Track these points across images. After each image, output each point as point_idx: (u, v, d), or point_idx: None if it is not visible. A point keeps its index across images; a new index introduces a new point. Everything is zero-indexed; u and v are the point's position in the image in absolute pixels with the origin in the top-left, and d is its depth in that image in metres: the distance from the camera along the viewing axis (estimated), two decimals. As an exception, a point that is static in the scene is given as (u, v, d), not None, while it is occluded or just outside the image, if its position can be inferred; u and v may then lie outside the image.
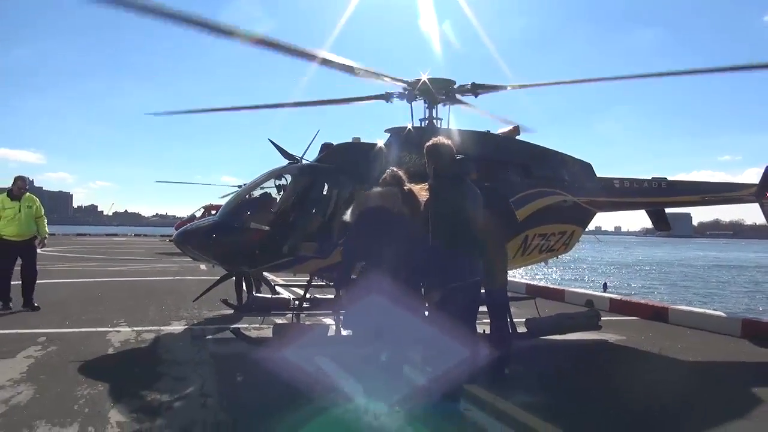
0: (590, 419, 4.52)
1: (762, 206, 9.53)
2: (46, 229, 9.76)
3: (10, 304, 9.01)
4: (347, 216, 4.72)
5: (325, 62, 7.06)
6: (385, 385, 4.56)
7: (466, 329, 4.66)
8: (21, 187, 9.30)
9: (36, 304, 9.07)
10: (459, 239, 4.44)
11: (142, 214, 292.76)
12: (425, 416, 4.28)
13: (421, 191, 4.76)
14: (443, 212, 4.49)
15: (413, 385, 4.96)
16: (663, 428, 4.44)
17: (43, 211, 9.58)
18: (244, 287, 10.01)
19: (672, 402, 5.15)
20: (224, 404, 4.63)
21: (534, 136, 9.12)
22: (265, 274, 9.36)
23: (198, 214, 26.58)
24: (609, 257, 51.55)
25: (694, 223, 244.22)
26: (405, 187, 4.72)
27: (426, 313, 4.87)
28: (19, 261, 9.30)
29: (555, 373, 6.02)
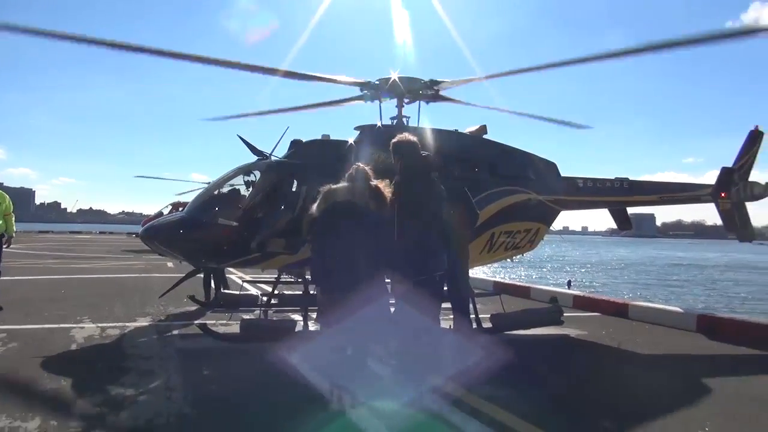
0: (545, 407, 4.67)
1: (717, 206, 9.90)
2: (14, 227, 9.32)
3: None
4: (314, 210, 4.76)
5: (301, 77, 7.19)
6: (350, 378, 4.63)
7: (431, 321, 4.78)
8: None
9: None
10: (424, 234, 4.56)
11: (108, 212, 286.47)
12: (392, 409, 4.36)
13: (386, 188, 4.85)
14: (409, 207, 4.59)
15: (378, 376, 5.06)
16: (610, 413, 4.61)
17: (12, 208, 9.13)
18: (213, 284, 10.00)
19: (623, 390, 5.42)
20: (189, 398, 4.63)
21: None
22: (233, 269, 9.35)
23: (165, 212, 26.23)
24: (574, 256, 52.57)
25: (658, 223, 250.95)
26: (371, 183, 4.80)
27: (392, 304, 4.97)
28: None
29: (516, 366, 6.17)
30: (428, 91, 8.30)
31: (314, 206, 4.76)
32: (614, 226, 11.16)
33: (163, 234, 7.42)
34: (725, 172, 10.01)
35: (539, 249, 10.01)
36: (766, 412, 4.79)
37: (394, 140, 4.92)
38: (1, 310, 8.49)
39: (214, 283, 10.06)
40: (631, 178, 10.07)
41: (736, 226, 9.94)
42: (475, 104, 8.94)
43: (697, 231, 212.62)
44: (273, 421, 4.19)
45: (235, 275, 13.40)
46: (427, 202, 4.65)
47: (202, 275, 9.92)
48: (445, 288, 6.14)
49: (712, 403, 4.99)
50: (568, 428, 4.15)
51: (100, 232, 62.50)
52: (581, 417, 4.53)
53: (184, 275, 9.08)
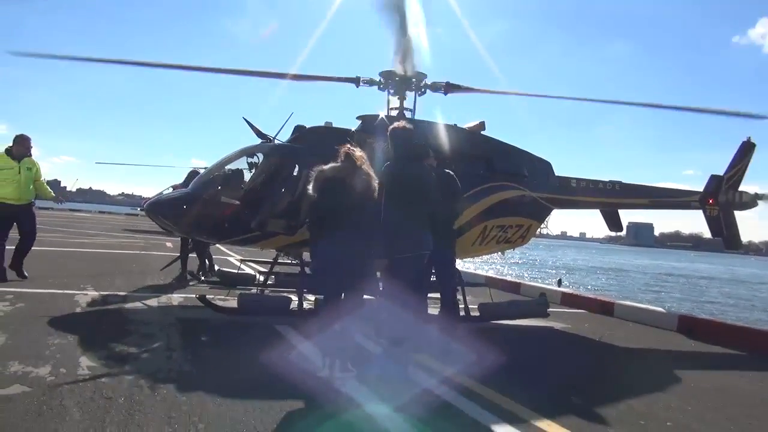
0: (524, 387, 4.96)
1: (704, 212, 10.18)
2: (50, 191, 9.12)
3: (6, 275, 8.38)
4: (309, 188, 5.05)
5: (305, 78, 7.51)
6: (339, 349, 4.91)
7: (415, 298, 5.09)
8: (23, 148, 8.56)
9: (26, 273, 8.57)
10: (410, 215, 4.86)
11: (108, 193, 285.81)
12: (377, 380, 4.66)
13: (370, 170, 5.11)
14: (398, 189, 4.89)
15: (365, 349, 5.38)
16: (579, 392, 4.91)
17: (42, 175, 8.88)
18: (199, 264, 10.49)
19: (594, 374, 5.83)
20: (189, 358, 4.94)
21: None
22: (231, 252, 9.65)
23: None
24: (566, 261, 52.90)
25: (656, 233, 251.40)
26: (357, 163, 5.05)
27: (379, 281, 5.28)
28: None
29: (498, 351, 6.47)
30: (432, 87, 8.58)
31: (309, 187, 5.03)
32: (612, 234, 11.42)
33: (167, 208, 7.70)
34: (714, 180, 10.30)
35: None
36: (729, 400, 5.11)
37: (391, 126, 5.22)
38: (25, 278, 8.45)
39: (200, 262, 10.50)
40: (623, 181, 10.35)
41: (723, 233, 10.22)
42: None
43: (695, 242, 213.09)
44: (269, 380, 4.48)
45: (234, 257, 13.71)
46: (416, 186, 4.95)
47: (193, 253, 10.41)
48: (433, 278, 6.45)
49: (679, 391, 5.31)
50: (536, 401, 4.43)
51: (100, 212, 62.69)
52: (550, 394, 4.83)
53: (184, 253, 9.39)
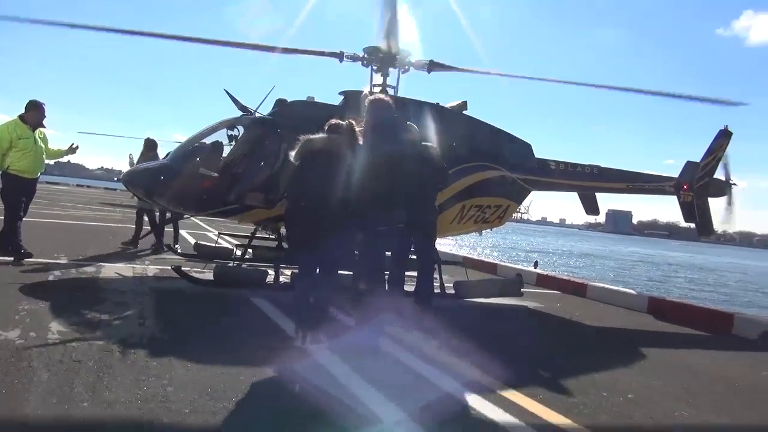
0: (493, 360, 5.03)
1: (678, 197, 10.36)
2: (60, 148, 8.32)
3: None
4: (292, 156, 5.01)
5: (291, 51, 7.41)
6: (312, 321, 4.95)
7: (394, 272, 5.15)
8: (39, 115, 7.70)
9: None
10: (387, 189, 4.89)
11: (86, 166, 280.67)
12: (348, 351, 4.71)
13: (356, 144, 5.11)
14: (375, 162, 4.90)
15: (338, 321, 5.44)
16: (549, 365, 5.03)
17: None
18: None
19: (563, 350, 5.99)
20: (161, 325, 4.95)
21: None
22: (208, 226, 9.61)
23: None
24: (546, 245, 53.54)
25: (634, 221, 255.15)
26: (347, 137, 5.02)
27: (355, 253, 5.32)
28: None
29: (470, 326, 6.58)
30: (416, 65, 8.55)
31: (292, 153, 5.00)
32: (591, 220, 11.59)
33: (144, 179, 7.62)
34: (689, 166, 10.47)
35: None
36: (690, 376, 5.27)
37: (370, 97, 5.21)
38: (31, 256, 7.65)
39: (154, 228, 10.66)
40: (601, 165, 10.47)
41: (695, 218, 10.41)
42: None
43: (672, 231, 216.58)
44: (241, 348, 4.51)
45: (212, 233, 13.63)
46: (393, 160, 4.96)
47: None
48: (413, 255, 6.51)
49: (643, 367, 5.47)
50: (504, 374, 4.52)
51: (78, 185, 61.64)
52: (518, 367, 4.92)
53: (160, 222, 9.32)
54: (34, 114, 7.61)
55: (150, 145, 11.16)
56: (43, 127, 7.83)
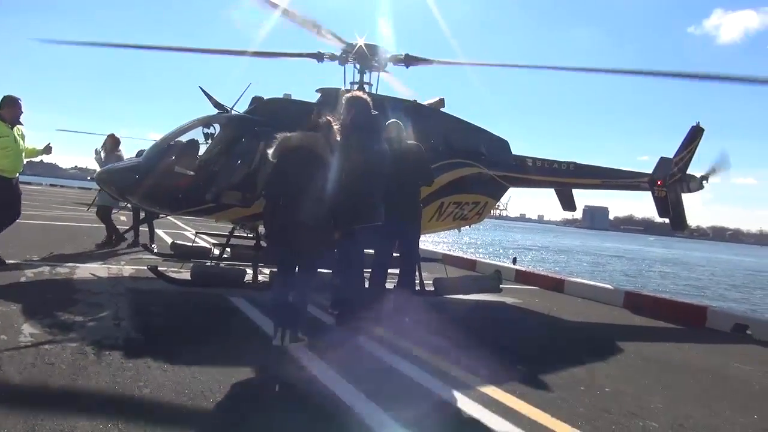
0: (471, 356, 5.07)
1: (653, 193, 10.56)
2: (36, 147, 7.90)
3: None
4: (270, 154, 4.97)
5: (269, 55, 7.33)
6: (291, 320, 4.92)
7: (376, 270, 5.15)
8: (16, 111, 7.31)
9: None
10: (365, 186, 4.88)
11: (60, 166, 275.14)
12: (328, 349, 4.70)
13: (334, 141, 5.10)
14: (353, 159, 4.89)
15: (317, 320, 5.42)
16: (526, 360, 5.07)
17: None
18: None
19: (541, 344, 6.09)
20: (137, 326, 4.88)
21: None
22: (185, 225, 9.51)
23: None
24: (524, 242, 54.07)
25: (611, 217, 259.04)
26: (325, 134, 5.00)
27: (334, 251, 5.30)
28: None
29: (449, 323, 6.62)
30: (394, 62, 8.54)
31: (269, 152, 4.96)
32: (568, 216, 11.74)
33: (119, 178, 7.49)
34: (662, 162, 10.66)
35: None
36: (666, 369, 5.38)
37: (347, 95, 5.20)
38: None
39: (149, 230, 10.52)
40: (578, 162, 10.59)
41: (669, 213, 10.61)
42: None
43: (647, 226, 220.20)
44: (218, 348, 4.47)
45: (189, 232, 13.49)
46: (371, 157, 4.97)
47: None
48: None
49: (620, 361, 5.58)
50: (482, 369, 4.55)
51: (51, 185, 60.41)
52: (496, 362, 4.95)
53: (135, 221, 9.19)
54: (9, 110, 7.25)
55: (116, 143, 11.00)
56: (21, 123, 7.49)
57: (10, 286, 6.01)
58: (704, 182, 10.83)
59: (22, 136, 7.45)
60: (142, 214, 10.82)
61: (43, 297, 5.67)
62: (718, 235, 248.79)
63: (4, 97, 7.28)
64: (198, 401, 3.35)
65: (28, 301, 5.30)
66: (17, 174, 7.49)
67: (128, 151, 11.63)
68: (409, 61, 8.56)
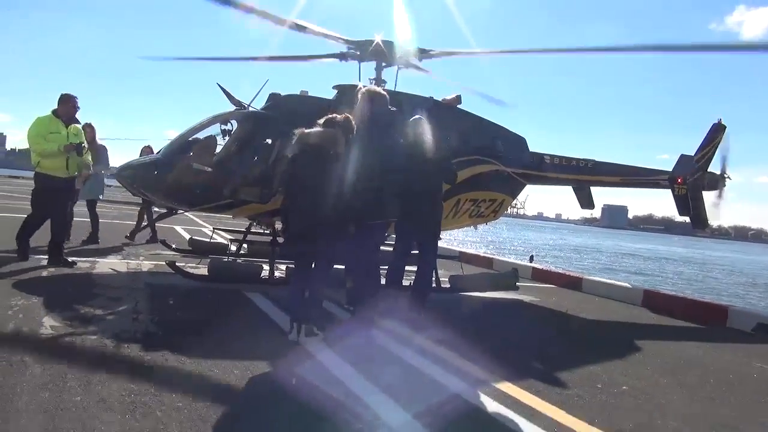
0: (487, 353, 5.05)
1: (673, 191, 10.37)
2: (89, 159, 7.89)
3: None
4: (288, 150, 4.99)
5: (276, 21, 7.35)
6: (307, 314, 4.94)
7: (394, 265, 5.16)
8: (71, 108, 7.30)
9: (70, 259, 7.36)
10: (380, 183, 4.88)
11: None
12: (343, 345, 4.71)
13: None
14: (370, 156, 4.89)
15: (332, 315, 5.44)
16: (544, 358, 5.04)
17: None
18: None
19: (558, 343, 6.01)
20: (155, 320, 4.93)
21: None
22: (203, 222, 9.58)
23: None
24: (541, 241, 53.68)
25: (630, 216, 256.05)
26: (343, 132, 4.99)
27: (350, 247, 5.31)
28: None
29: (465, 319, 6.60)
30: (411, 58, 8.52)
31: (287, 148, 4.98)
32: (587, 215, 11.62)
33: (138, 173, 7.56)
34: (683, 160, 10.47)
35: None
36: (684, 368, 5.30)
37: (365, 89, 5.19)
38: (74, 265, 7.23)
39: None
40: (596, 159, 10.47)
41: (689, 212, 10.43)
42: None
43: (668, 225, 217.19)
44: (235, 341, 4.51)
45: (207, 228, 13.59)
46: (387, 153, 4.96)
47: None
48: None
49: (638, 359, 5.51)
50: (498, 366, 4.53)
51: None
52: (512, 359, 4.93)
53: (155, 217, 9.29)
54: (64, 107, 7.19)
55: (93, 133, 10.87)
56: (77, 122, 7.48)
57: (32, 280, 6.12)
58: (726, 179, 10.63)
59: (78, 135, 7.34)
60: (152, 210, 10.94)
61: (63, 291, 5.77)
62: (740, 234, 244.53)
63: (61, 95, 7.27)
64: (214, 394, 3.38)
65: (50, 295, 5.39)
66: (70, 175, 7.33)
67: (133, 151, 11.72)
68: (425, 55, 8.54)
